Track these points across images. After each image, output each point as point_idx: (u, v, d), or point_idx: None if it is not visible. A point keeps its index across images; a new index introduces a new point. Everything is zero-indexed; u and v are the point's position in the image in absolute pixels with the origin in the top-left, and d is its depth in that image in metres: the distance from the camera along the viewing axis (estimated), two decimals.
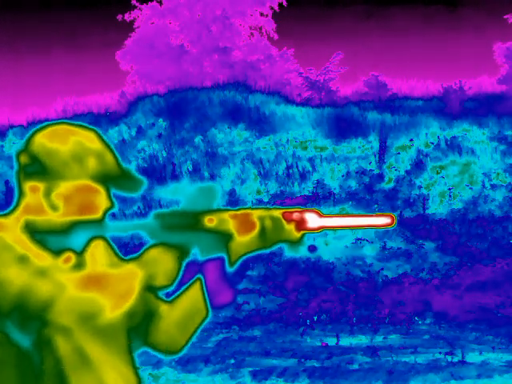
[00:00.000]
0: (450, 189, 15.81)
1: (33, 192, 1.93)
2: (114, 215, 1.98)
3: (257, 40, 27.16)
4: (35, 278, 1.81)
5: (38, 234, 1.93)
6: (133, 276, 1.86)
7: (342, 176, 16.49)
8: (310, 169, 16.78)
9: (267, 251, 2.00)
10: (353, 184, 16.25)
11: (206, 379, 8.56)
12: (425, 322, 11.48)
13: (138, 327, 2.07)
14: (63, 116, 19.34)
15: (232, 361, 9.12)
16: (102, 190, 1.95)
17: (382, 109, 18.51)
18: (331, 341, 10.23)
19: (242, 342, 10.22)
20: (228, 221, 1.95)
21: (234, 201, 15.97)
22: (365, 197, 15.80)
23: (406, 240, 14.29)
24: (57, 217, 1.93)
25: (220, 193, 1.99)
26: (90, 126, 1.99)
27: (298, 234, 1.97)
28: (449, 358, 9.08)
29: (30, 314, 1.81)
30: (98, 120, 18.45)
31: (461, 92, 19.69)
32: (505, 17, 24.88)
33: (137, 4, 26.80)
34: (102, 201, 1.96)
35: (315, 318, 11.58)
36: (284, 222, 1.97)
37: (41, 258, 1.86)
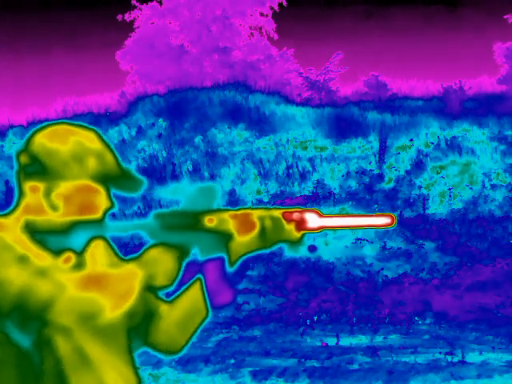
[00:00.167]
0: (450, 189, 15.81)
1: (33, 192, 1.93)
2: (113, 215, 1.98)
3: (257, 40, 27.16)
4: (35, 278, 1.81)
5: (37, 233, 1.93)
6: (133, 276, 1.86)
7: (342, 176, 16.49)
8: (310, 169, 16.78)
9: (267, 251, 2.00)
10: (353, 184, 16.26)
11: (206, 379, 8.56)
12: (425, 322, 11.48)
13: (138, 327, 2.07)
14: (63, 116, 19.34)
15: (232, 361, 9.12)
16: (101, 190, 1.95)
17: (381, 109, 18.51)
18: (331, 341, 10.23)
19: (242, 342, 10.22)
20: (228, 221, 1.95)
21: (233, 201, 15.97)
22: (365, 197, 15.80)
23: (406, 240, 14.29)
24: (57, 217, 1.93)
25: (220, 193, 1.99)
26: (90, 126, 1.99)
27: (298, 234, 1.97)
28: (449, 358, 9.08)
29: (30, 314, 1.81)
30: (98, 120, 18.46)
31: (461, 92, 19.69)
32: (505, 17, 24.89)
33: (137, 4, 26.81)
34: (102, 201, 1.96)
35: (315, 317, 11.58)
36: (284, 222, 1.97)
37: (41, 258, 1.86)
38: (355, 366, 8.80)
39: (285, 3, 26.85)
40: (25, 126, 18.73)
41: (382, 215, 1.99)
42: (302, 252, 2.00)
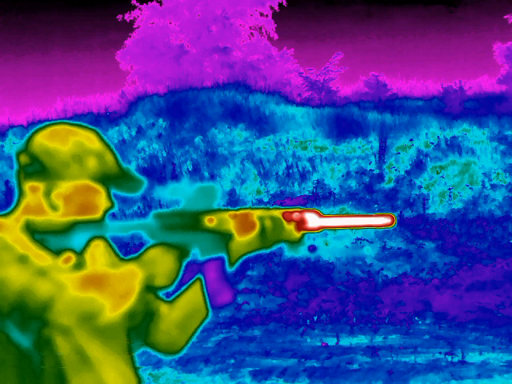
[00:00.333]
0: (449, 189, 15.81)
1: (33, 192, 1.93)
2: (114, 215, 1.98)
3: (257, 40, 27.17)
4: (35, 278, 1.80)
5: (38, 233, 1.93)
6: (133, 276, 1.86)
7: (342, 176, 16.49)
8: (310, 169, 16.78)
9: (267, 251, 2.00)
10: (353, 184, 16.26)
11: (205, 379, 8.56)
12: (425, 322, 11.48)
13: (138, 327, 2.07)
14: (63, 116, 19.33)
15: (232, 361, 9.12)
16: (101, 190, 1.96)
17: (382, 109, 18.51)
18: (331, 341, 10.23)
19: (242, 342, 10.22)
20: (228, 221, 1.95)
21: (234, 201, 15.97)
22: (365, 197, 15.80)
23: (406, 240, 14.29)
24: (57, 217, 1.93)
25: (220, 193, 1.99)
26: (90, 126, 1.99)
27: (298, 234, 1.98)
28: (449, 358, 9.08)
29: (30, 314, 1.81)
30: (98, 120, 18.45)
31: (461, 92, 19.69)
32: (505, 17, 24.90)
33: (137, 4, 26.81)
34: (101, 201, 1.96)
35: (315, 317, 11.58)
36: (284, 222, 1.97)
37: (41, 258, 1.86)
38: (355, 366, 8.80)
39: (285, 3, 26.86)
40: (25, 125, 18.73)
41: (382, 215, 1.99)
42: (302, 252, 2.00)
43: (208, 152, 17.44)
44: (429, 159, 16.58)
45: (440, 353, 9.37)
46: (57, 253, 1.93)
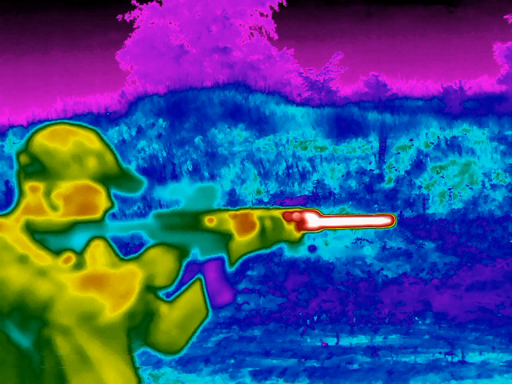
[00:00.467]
0: (449, 189, 15.81)
1: (33, 192, 1.93)
2: (113, 215, 1.98)
3: (257, 40, 27.17)
4: (35, 278, 1.80)
5: (38, 233, 1.93)
6: (133, 276, 1.86)
7: (342, 176, 16.49)
8: (310, 169, 16.78)
9: (267, 251, 2.00)
10: (353, 184, 16.26)
11: (205, 379, 8.56)
12: (425, 322, 11.48)
13: (138, 327, 2.07)
14: (63, 116, 19.34)
15: (232, 361, 9.12)
16: (101, 190, 1.96)
17: (382, 109, 18.51)
18: (331, 341, 10.23)
19: (242, 342, 10.22)
20: (228, 221, 1.95)
21: (234, 201, 15.97)
22: (365, 197, 15.80)
23: (406, 240, 14.29)
24: (57, 217, 1.93)
25: (220, 193, 1.99)
26: (91, 126, 1.99)
27: (298, 234, 1.98)
28: (449, 358, 9.08)
29: (30, 314, 1.81)
30: (98, 120, 18.45)
31: (461, 92, 19.70)
32: (505, 17, 24.90)
33: (137, 4, 26.81)
34: (101, 201, 1.96)
35: (315, 317, 11.58)
36: (284, 222, 1.97)
37: (41, 258, 1.86)
38: (355, 366, 8.80)
39: (285, 3, 26.86)
40: (25, 125, 18.73)
41: (382, 215, 1.99)
42: (302, 252, 2.00)
43: (208, 152, 17.44)
44: (429, 159, 16.58)
45: (440, 353, 9.37)
46: (57, 253, 1.93)
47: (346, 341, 10.29)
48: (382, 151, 16.82)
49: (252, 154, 17.25)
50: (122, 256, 2.09)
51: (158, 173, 17.02)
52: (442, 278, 12.96)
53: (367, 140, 17.30)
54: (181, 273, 1.95)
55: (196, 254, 1.98)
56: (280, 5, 26.96)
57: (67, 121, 2.00)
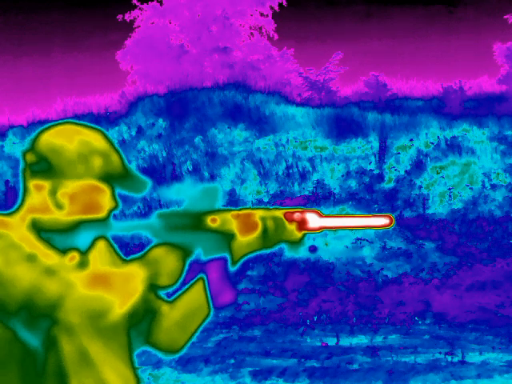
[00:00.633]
0: (450, 189, 15.82)
1: (38, 190, 1.94)
2: (114, 215, 2.00)
3: (257, 40, 27.17)
4: (44, 277, 1.81)
5: (44, 232, 1.94)
6: (136, 275, 1.86)
7: (342, 176, 16.50)
8: (310, 169, 16.79)
9: (268, 251, 2.01)
10: (353, 184, 16.26)
11: (205, 379, 8.56)
12: (425, 322, 11.49)
13: (139, 326, 2.08)
14: (63, 116, 19.34)
15: (232, 361, 9.12)
16: (107, 189, 1.96)
17: (381, 109, 18.52)
18: (331, 341, 10.24)
19: (242, 342, 10.23)
20: (231, 221, 1.96)
21: (234, 201, 15.98)
22: (365, 197, 15.81)
23: (406, 240, 14.30)
24: (62, 216, 1.94)
25: (221, 193, 2.00)
26: (97, 126, 2.00)
27: (299, 235, 1.99)
28: (449, 358, 9.09)
29: (39, 313, 1.81)
30: (98, 120, 18.46)
31: (461, 92, 19.70)
32: (505, 17, 24.89)
33: (137, 4, 26.82)
34: (106, 200, 1.97)
35: (315, 317, 11.59)
36: (286, 222, 1.98)
37: (48, 256, 1.86)
38: (355, 366, 8.81)
39: (285, 3, 26.85)
40: (25, 125, 18.73)
41: (381, 216, 2.00)
42: (303, 252, 2.01)
43: (208, 152, 17.44)
44: (429, 159, 16.59)
45: (440, 353, 9.37)
46: (62, 251, 1.94)
47: (345, 341, 10.30)
48: (382, 151, 16.83)
49: (252, 154, 17.25)
50: (123, 256, 2.10)
51: (158, 173, 17.03)
52: (442, 278, 12.97)
53: (367, 140, 17.30)
54: (184, 272, 1.96)
55: (199, 253, 2.00)
56: (280, 5, 26.96)
57: (74, 120, 2.01)
